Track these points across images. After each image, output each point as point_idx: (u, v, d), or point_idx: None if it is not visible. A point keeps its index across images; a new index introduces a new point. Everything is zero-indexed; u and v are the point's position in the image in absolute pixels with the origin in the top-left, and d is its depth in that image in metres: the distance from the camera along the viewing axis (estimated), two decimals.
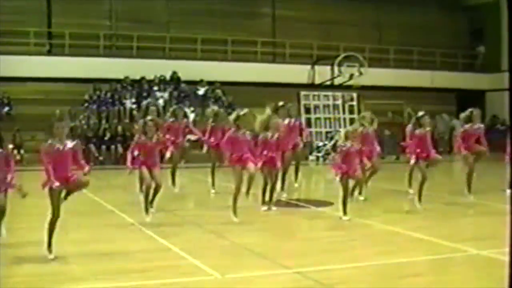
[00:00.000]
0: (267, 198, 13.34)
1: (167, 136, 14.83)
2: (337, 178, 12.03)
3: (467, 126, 14.69)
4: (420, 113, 13.81)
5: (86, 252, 9.06)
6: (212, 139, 15.77)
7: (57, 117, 9.51)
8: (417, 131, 13.58)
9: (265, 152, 13.00)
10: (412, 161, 13.75)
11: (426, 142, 13.54)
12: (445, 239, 10.43)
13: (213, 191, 16.01)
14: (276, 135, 13.25)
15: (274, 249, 9.85)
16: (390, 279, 8.21)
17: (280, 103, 15.33)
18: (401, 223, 12.03)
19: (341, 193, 12.15)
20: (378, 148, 15.41)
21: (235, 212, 11.66)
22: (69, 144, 9.03)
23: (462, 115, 15.07)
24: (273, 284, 7.87)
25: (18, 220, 11.35)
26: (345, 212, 12.13)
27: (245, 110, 12.19)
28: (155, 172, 11.72)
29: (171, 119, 15.77)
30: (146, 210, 11.73)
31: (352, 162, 12.08)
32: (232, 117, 12.12)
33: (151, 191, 11.83)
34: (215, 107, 26.47)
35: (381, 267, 8.80)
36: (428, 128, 13.61)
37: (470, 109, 14.96)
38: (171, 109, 16.64)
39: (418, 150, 13.48)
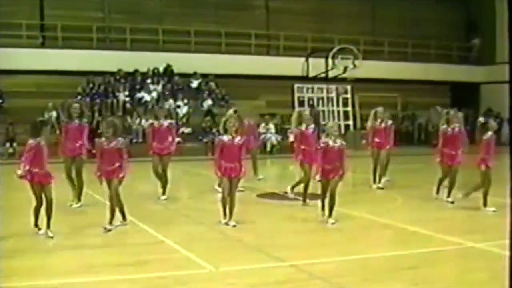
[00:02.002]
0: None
1: (154, 143, 13.81)
2: (317, 178, 11.30)
3: (447, 128, 13.63)
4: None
5: (79, 245, 9.00)
6: None
7: (43, 121, 9.86)
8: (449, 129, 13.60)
9: (302, 147, 13.01)
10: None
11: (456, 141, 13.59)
12: (439, 232, 10.41)
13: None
14: (311, 128, 13.24)
15: (268, 242, 9.80)
16: (384, 272, 8.17)
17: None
18: (395, 216, 12.01)
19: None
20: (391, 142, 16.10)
21: (224, 214, 11.04)
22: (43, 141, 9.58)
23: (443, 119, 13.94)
24: (267, 277, 7.81)
25: (9, 214, 11.29)
26: (326, 212, 11.41)
27: (228, 113, 11.70)
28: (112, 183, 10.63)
29: (152, 121, 14.29)
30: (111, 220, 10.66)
31: (333, 161, 11.05)
32: (221, 125, 11.29)
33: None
34: (209, 101, 26.61)
35: (375, 260, 8.76)
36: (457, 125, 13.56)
37: (446, 110, 14.69)
38: (153, 110, 16.14)
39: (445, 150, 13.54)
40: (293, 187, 13.87)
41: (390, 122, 16.27)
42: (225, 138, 10.83)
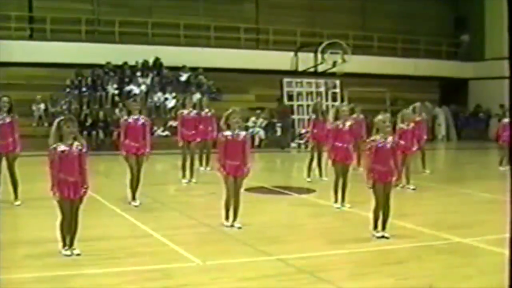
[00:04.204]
0: (339, 196, 12.34)
1: (127, 141, 12.43)
2: (369, 184, 9.53)
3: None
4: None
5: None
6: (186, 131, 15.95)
7: (66, 117, 8.64)
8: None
9: (339, 144, 12.16)
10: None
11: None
12: (427, 227, 10.45)
13: (185, 181, 15.83)
14: (347, 124, 12.37)
15: (256, 236, 9.81)
16: (372, 266, 8.21)
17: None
18: None
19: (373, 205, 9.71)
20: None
21: (227, 218, 10.43)
22: (75, 146, 8.28)
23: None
24: (255, 271, 7.82)
25: (7, 206, 11.28)
26: (379, 224, 9.71)
27: (232, 109, 10.58)
28: None
29: (126, 117, 12.79)
30: None
31: (387, 162, 9.48)
32: (223, 119, 10.48)
33: None
34: (198, 95, 26.60)
35: (363, 254, 8.80)
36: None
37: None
38: (122, 104, 14.52)
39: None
40: (341, 197, 12.46)
41: (425, 116, 17.81)
42: (228, 134, 10.20)
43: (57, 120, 8.42)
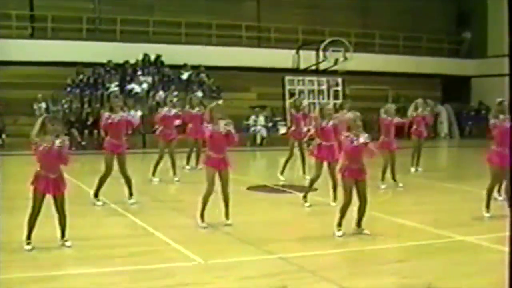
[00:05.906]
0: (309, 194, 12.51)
1: (107, 138, 12.30)
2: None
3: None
4: None
5: (69, 238, 8.94)
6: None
7: (51, 116, 8.82)
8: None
9: (322, 142, 12.16)
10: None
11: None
12: (429, 225, 10.43)
13: (156, 179, 15.69)
14: (331, 122, 12.22)
15: (257, 234, 9.79)
16: (374, 264, 8.19)
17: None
18: (385, 209, 11.99)
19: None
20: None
21: (202, 216, 10.33)
22: (57, 142, 8.36)
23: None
24: (257, 270, 7.81)
25: (7, 206, 11.25)
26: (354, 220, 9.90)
27: (215, 102, 10.71)
28: None
29: (108, 114, 12.32)
30: None
31: (359, 160, 9.54)
32: (206, 112, 10.49)
33: None
34: (199, 93, 26.58)
35: (364, 253, 8.78)
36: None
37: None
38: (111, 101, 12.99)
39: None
40: (305, 193, 12.66)
41: (426, 113, 17.81)
42: (211, 127, 10.13)
43: (42, 117, 8.64)
